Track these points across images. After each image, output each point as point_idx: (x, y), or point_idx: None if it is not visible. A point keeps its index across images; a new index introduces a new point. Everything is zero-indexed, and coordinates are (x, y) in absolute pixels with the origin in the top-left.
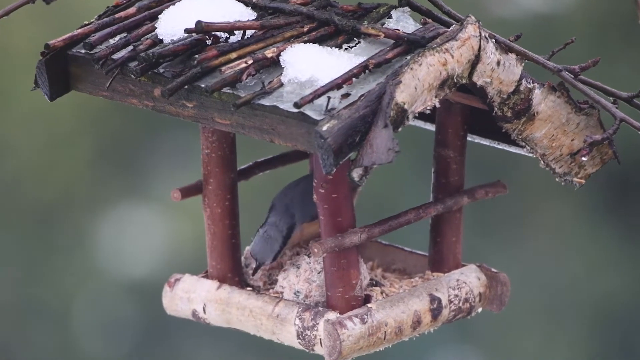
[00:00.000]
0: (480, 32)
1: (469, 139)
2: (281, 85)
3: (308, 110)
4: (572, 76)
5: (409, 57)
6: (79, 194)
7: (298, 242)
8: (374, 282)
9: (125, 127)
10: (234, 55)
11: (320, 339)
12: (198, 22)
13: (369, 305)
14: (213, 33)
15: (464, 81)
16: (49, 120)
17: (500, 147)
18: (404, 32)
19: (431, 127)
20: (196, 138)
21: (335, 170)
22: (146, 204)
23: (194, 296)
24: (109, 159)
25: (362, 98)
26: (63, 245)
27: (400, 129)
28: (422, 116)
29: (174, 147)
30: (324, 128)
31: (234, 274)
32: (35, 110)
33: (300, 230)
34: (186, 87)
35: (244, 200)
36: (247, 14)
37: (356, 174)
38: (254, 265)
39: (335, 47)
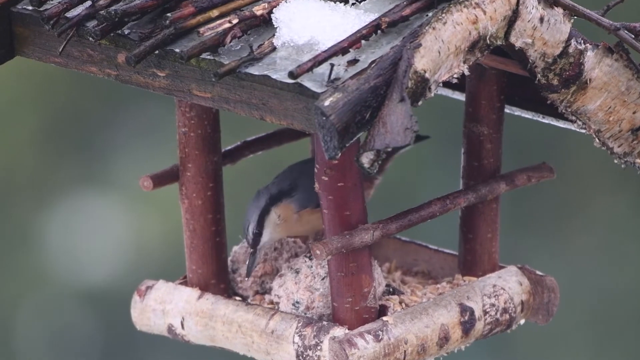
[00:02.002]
0: None
1: (506, 111)
2: (273, 49)
3: (306, 81)
4: (633, 36)
5: (430, 14)
6: (22, 180)
7: (295, 234)
8: (391, 290)
9: (80, 98)
10: (215, 12)
11: None
12: None
13: (384, 318)
14: None
15: (499, 42)
16: None
17: (545, 121)
18: None
19: (460, 96)
20: (171, 112)
21: (340, 154)
22: (106, 192)
23: (169, 308)
24: (59, 137)
25: (373, 65)
26: (2, 243)
27: (420, 103)
28: (448, 84)
29: (143, 123)
30: (326, 103)
31: (219, 280)
32: None
33: (297, 217)
34: (157, 52)
35: (230, 189)
36: None
37: (366, 159)
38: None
39: (340, 2)
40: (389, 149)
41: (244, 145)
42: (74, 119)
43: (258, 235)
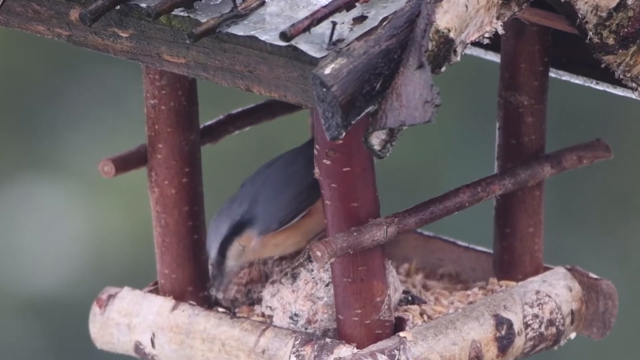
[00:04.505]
0: None
1: (551, 76)
2: (262, 4)
3: (303, 44)
4: None
5: None
6: None
7: (259, 260)
8: (410, 298)
9: (24, 64)
10: None
11: None
12: None
13: (401, 334)
14: None
15: None
16: None
17: (599, 88)
18: None
19: (495, 58)
20: (137, 81)
21: (344, 133)
22: (57, 179)
23: (137, 322)
24: None
25: (384, 23)
26: None
27: (443, 69)
28: (479, 44)
29: (102, 94)
30: (327, 71)
31: (197, 287)
32: None
33: (259, 243)
34: (118, 7)
35: (210, 174)
36: None
37: (376, 139)
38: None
39: None
40: (405, 127)
41: (228, 120)
42: (16, 90)
43: (221, 263)
